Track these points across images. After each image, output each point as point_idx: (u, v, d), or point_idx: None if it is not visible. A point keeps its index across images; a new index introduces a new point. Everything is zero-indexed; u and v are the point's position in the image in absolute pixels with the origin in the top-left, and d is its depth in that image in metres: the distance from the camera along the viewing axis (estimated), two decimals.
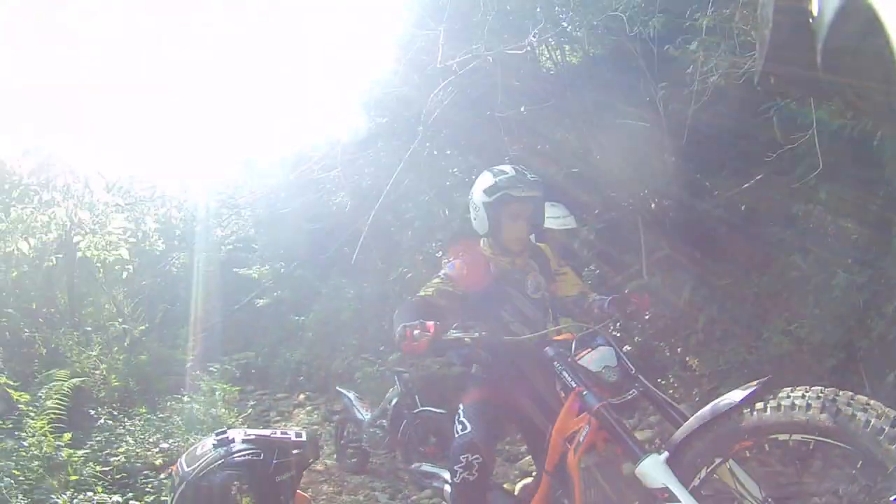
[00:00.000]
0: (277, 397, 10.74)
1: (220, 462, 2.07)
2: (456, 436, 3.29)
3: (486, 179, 3.42)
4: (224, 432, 2.16)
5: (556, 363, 2.94)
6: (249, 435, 2.21)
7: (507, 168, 3.41)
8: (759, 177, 5.67)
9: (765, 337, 5.19)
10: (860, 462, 2.24)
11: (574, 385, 2.86)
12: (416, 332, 2.82)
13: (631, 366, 2.97)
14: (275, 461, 2.13)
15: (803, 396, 2.26)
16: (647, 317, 5.60)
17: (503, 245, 3.47)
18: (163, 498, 5.96)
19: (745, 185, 5.74)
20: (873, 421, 2.13)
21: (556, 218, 4.96)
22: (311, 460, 2.33)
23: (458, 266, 3.43)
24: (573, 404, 2.93)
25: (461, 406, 3.39)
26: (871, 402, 2.21)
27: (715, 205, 5.82)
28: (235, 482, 2.05)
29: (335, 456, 7.45)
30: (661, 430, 5.32)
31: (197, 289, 13.28)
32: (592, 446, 2.85)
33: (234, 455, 2.11)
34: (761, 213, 5.80)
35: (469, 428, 3.25)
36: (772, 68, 1.39)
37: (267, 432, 2.26)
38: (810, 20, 1.15)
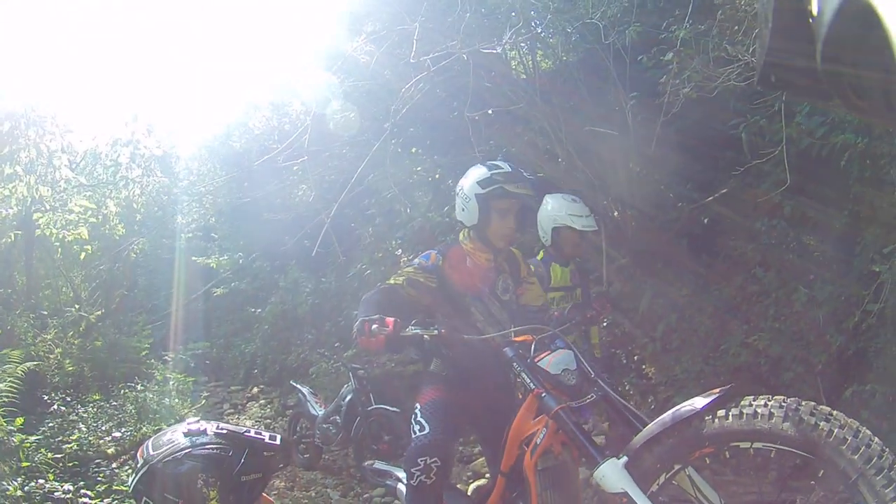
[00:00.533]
0: (231, 389, 10.65)
1: (186, 451, 2.02)
2: (413, 436, 3.20)
3: (480, 171, 3.36)
4: (198, 422, 2.10)
5: (515, 364, 2.92)
6: (222, 429, 2.14)
7: (503, 164, 3.36)
8: (724, 190, 5.74)
9: (722, 348, 5.25)
10: (821, 472, 2.25)
11: (533, 387, 2.83)
12: (374, 326, 2.78)
13: (590, 370, 2.94)
14: (243, 460, 2.08)
15: (766, 405, 2.26)
16: (605, 324, 5.62)
17: (487, 239, 3.41)
18: (115, 487, 5.88)
19: (710, 199, 5.80)
20: (836, 431, 2.14)
21: (578, 217, 4.73)
22: (280, 465, 2.26)
23: (434, 257, 3.38)
24: (531, 406, 2.92)
25: (418, 406, 3.29)
26: (835, 412, 2.22)
27: (678, 216, 5.86)
28: (201, 474, 1.99)
29: None
30: (613, 438, 5.35)
31: (154, 276, 13.17)
32: (549, 449, 2.83)
33: (203, 447, 2.05)
34: (724, 226, 5.87)
35: (427, 429, 3.16)
36: (771, 68, 1.38)
37: (241, 429, 2.19)
38: (810, 19, 1.14)
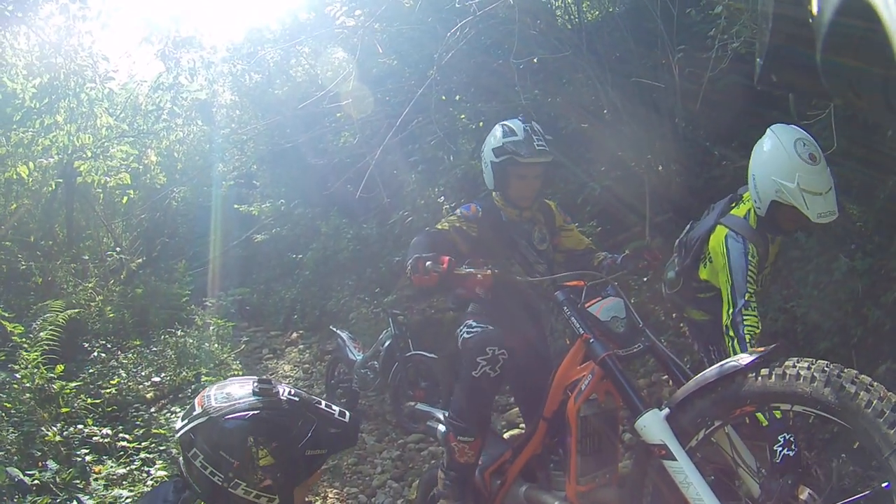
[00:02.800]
0: (271, 334, 10.78)
1: (255, 412, 1.87)
2: (468, 335, 3.28)
3: (496, 137, 3.41)
4: (269, 381, 1.94)
5: (565, 307, 2.91)
6: (295, 395, 1.98)
7: (518, 128, 3.35)
8: None
9: (760, 311, 5.18)
10: (857, 443, 2.22)
11: (582, 331, 2.82)
12: (428, 264, 2.82)
13: (639, 319, 2.94)
14: (311, 433, 1.92)
15: (809, 368, 2.23)
16: (645, 279, 5.57)
17: (511, 200, 3.49)
18: (153, 431, 6.01)
19: None
20: (875, 402, 2.10)
21: (816, 195, 3.03)
22: (345, 446, 2.16)
23: (474, 209, 3.44)
24: (578, 352, 2.91)
25: (470, 317, 3.39)
26: (875, 383, 2.19)
27: (722, 174, 5.76)
28: (266, 440, 1.85)
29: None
30: (651, 392, 5.35)
31: (195, 224, 13.27)
32: (593, 396, 2.84)
33: (273, 409, 1.90)
34: None
35: (489, 327, 3.25)
36: (772, 67, 1.39)
37: (313, 399, 2.02)
38: (810, 19, 1.13)
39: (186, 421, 1.92)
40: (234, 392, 1.94)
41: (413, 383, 6.15)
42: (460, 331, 3.39)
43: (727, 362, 2.44)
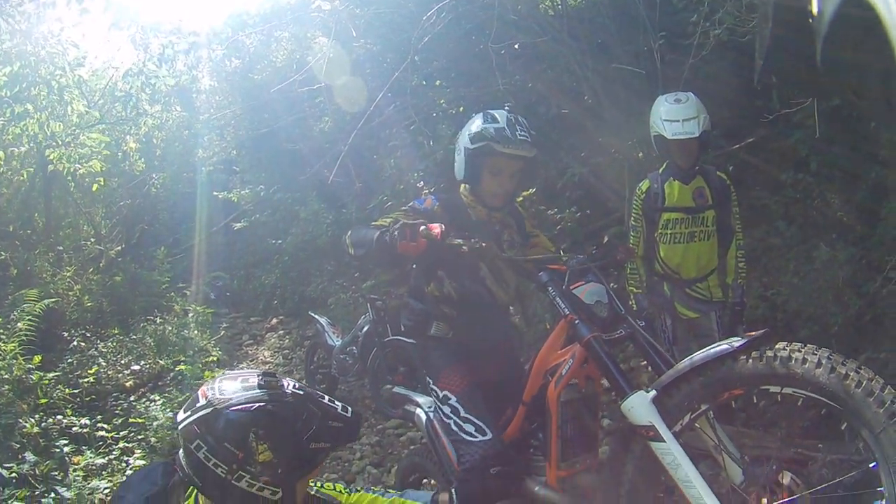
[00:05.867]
0: (251, 321, 10.70)
1: (261, 404, 1.87)
2: (472, 440, 2.92)
3: (475, 123, 3.14)
4: (273, 375, 1.97)
5: (550, 288, 2.85)
6: (300, 389, 2.00)
7: (501, 117, 3.09)
8: (751, 140, 5.68)
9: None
10: (844, 424, 2.23)
11: (567, 312, 2.77)
12: (422, 228, 2.69)
13: (620, 306, 2.91)
14: (315, 427, 1.93)
15: (800, 351, 2.24)
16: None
17: (481, 196, 3.22)
18: (131, 420, 5.99)
19: (737, 146, 5.75)
20: (865, 382, 2.11)
21: (672, 122, 4.11)
22: (347, 440, 2.16)
23: (430, 202, 3.20)
24: (560, 334, 2.89)
25: (452, 395, 3.06)
26: (863, 367, 2.20)
27: (703, 160, 5.80)
28: (271, 432, 1.86)
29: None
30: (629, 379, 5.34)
31: (175, 211, 13.14)
32: (574, 381, 2.81)
33: (279, 402, 1.91)
34: (749, 175, 5.80)
35: (490, 434, 2.93)
36: (772, 67, 1.40)
37: (317, 393, 2.04)
38: (810, 19, 1.14)
39: (189, 412, 1.92)
40: (238, 384, 1.95)
41: (392, 368, 6.10)
42: (452, 409, 3.04)
43: (717, 345, 2.44)
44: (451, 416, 3.03)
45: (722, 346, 2.40)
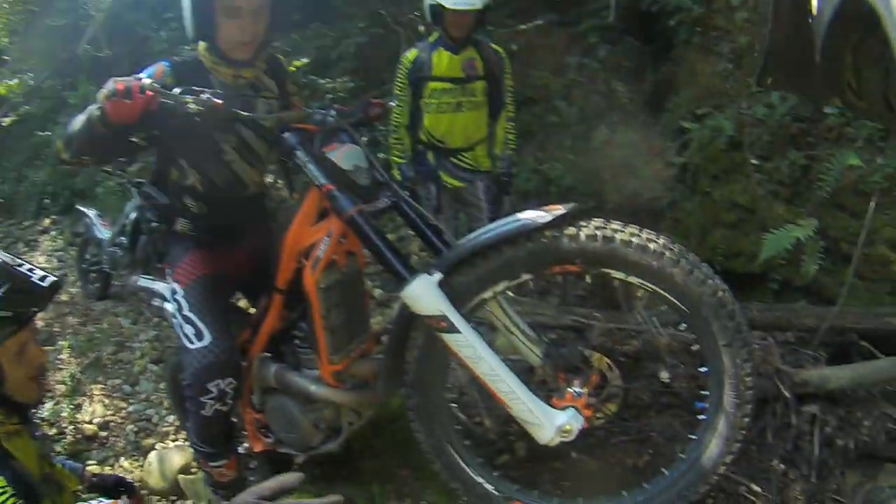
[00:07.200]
0: (24, 226, 9.74)
1: None
2: (188, 344, 2.54)
3: None
4: None
5: (298, 152, 2.36)
6: None
7: None
8: (539, 22, 5.66)
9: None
10: (665, 306, 2.12)
11: (322, 181, 2.31)
12: (146, 81, 2.15)
13: (383, 172, 2.51)
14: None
15: (657, 240, 2.04)
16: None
17: (221, 52, 2.55)
18: None
19: (523, 27, 5.75)
20: (720, 294, 2.02)
21: None
22: (32, 310, 1.83)
23: (161, 71, 2.52)
24: (311, 207, 2.46)
25: (177, 286, 2.64)
26: (717, 275, 2.08)
27: (488, 40, 5.77)
28: None
29: (79, 283, 6.93)
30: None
31: None
32: (333, 261, 2.44)
33: None
34: (534, 57, 5.82)
35: (208, 337, 2.52)
36: (771, 67, 1.38)
37: (16, 261, 1.79)
38: (810, 19, 1.14)
39: None
40: None
41: (162, 255, 5.71)
42: (177, 310, 2.62)
43: (516, 218, 2.09)
44: (176, 314, 2.62)
45: (525, 218, 2.07)
